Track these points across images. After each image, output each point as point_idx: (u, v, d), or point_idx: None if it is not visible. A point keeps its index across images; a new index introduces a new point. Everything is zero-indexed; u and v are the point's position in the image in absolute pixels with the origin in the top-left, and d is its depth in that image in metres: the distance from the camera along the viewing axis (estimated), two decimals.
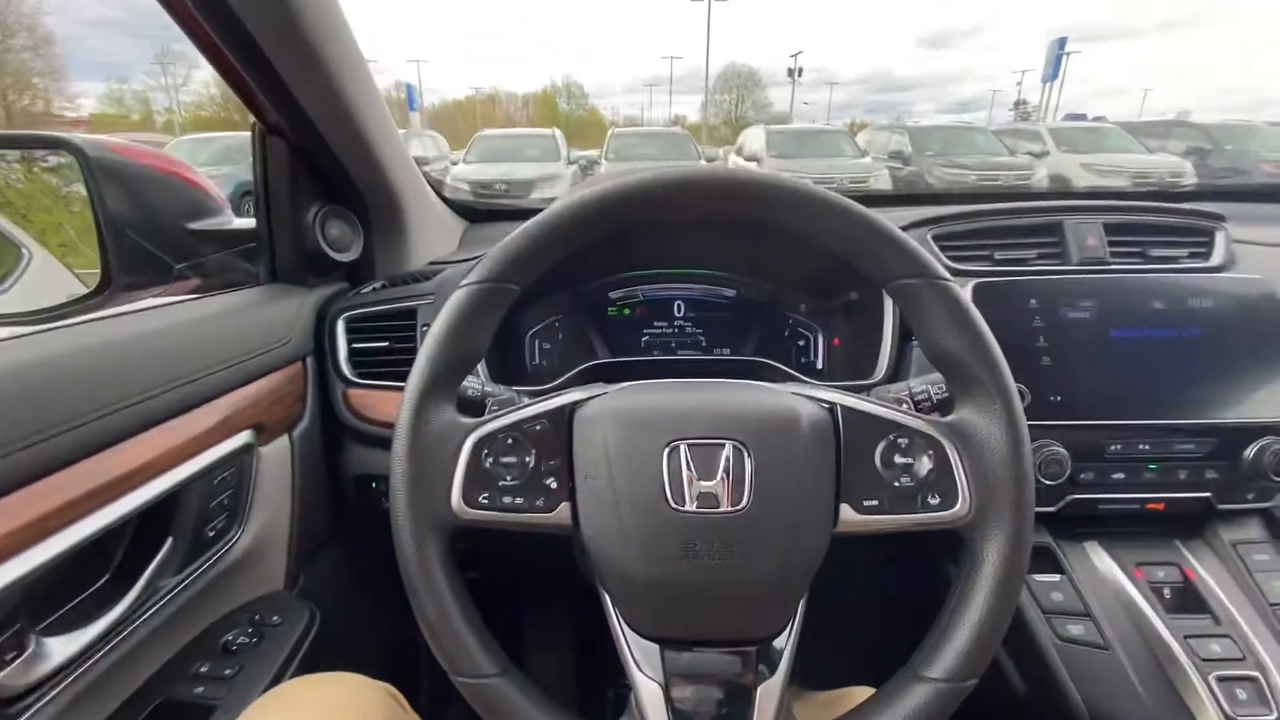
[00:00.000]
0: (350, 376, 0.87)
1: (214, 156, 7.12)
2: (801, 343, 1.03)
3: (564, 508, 0.51)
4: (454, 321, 0.52)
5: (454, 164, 9.86)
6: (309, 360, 0.86)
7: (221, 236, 0.91)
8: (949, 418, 0.53)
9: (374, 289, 0.95)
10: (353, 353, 0.88)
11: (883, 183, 8.78)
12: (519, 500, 0.51)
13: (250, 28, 0.66)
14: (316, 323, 0.89)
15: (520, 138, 10.60)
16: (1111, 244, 0.86)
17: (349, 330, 0.89)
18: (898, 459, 0.51)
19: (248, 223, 0.91)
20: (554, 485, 0.51)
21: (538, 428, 0.53)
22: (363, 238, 0.98)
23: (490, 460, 0.51)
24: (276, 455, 0.78)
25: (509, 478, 0.51)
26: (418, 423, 0.51)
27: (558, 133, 10.22)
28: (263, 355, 0.77)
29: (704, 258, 1.03)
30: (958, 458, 0.51)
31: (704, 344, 1.06)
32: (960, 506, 0.50)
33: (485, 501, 0.51)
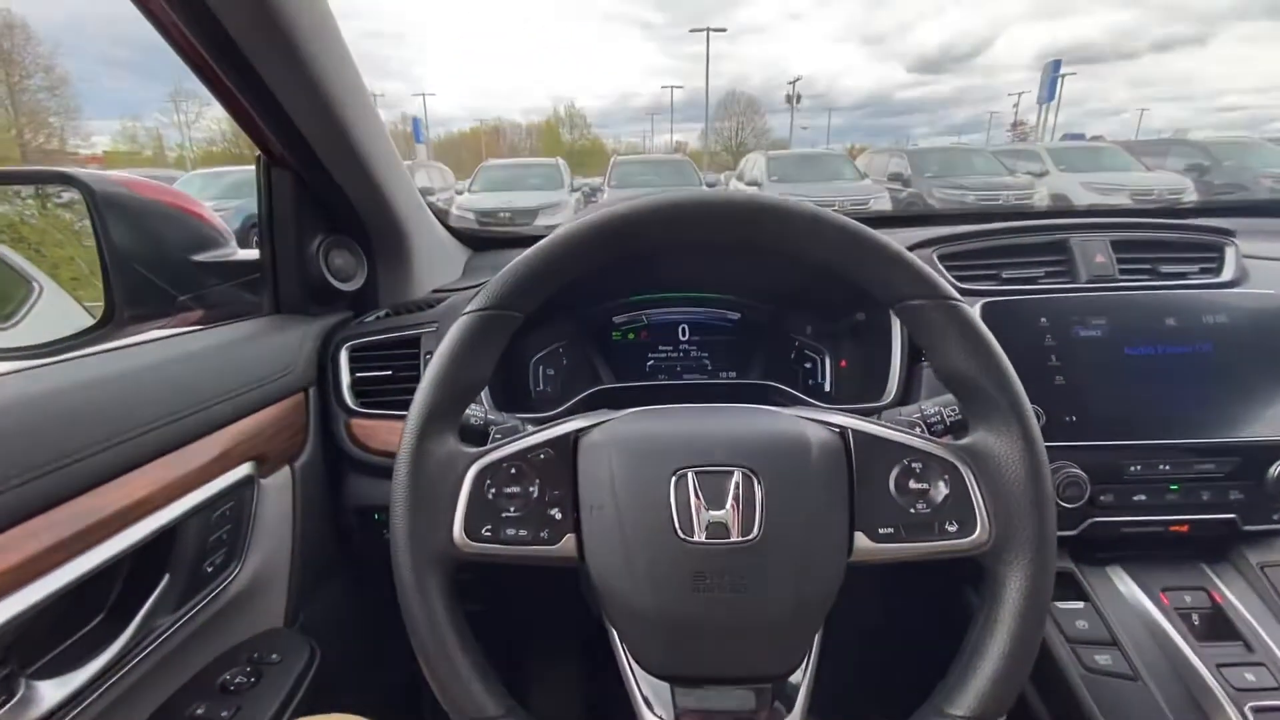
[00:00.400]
0: (353, 406, 0.86)
1: (224, 190, 7.24)
2: (808, 365, 1.01)
3: (569, 539, 0.50)
4: (456, 350, 0.51)
5: (459, 193, 10.01)
6: (311, 391, 0.86)
7: (226, 268, 0.91)
8: (964, 441, 0.52)
9: (377, 318, 0.95)
10: (355, 382, 0.88)
11: (883, 204, 8.84)
12: (522, 532, 0.50)
13: (252, 59, 0.67)
14: (319, 352, 0.88)
15: (524, 167, 10.77)
16: (1120, 261, 0.86)
17: (352, 360, 0.88)
18: (912, 484, 0.50)
19: (252, 254, 0.92)
20: (558, 516, 0.50)
21: (541, 456, 0.51)
22: (366, 267, 0.98)
23: (493, 491, 0.50)
24: (277, 487, 0.77)
25: (512, 509, 0.50)
26: (419, 453, 0.50)
27: (561, 161, 10.38)
28: (265, 386, 0.76)
29: (708, 280, 1.02)
30: (975, 482, 0.49)
31: (710, 367, 1.05)
32: (979, 533, 0.48)
33: (488, 534, 0.49)
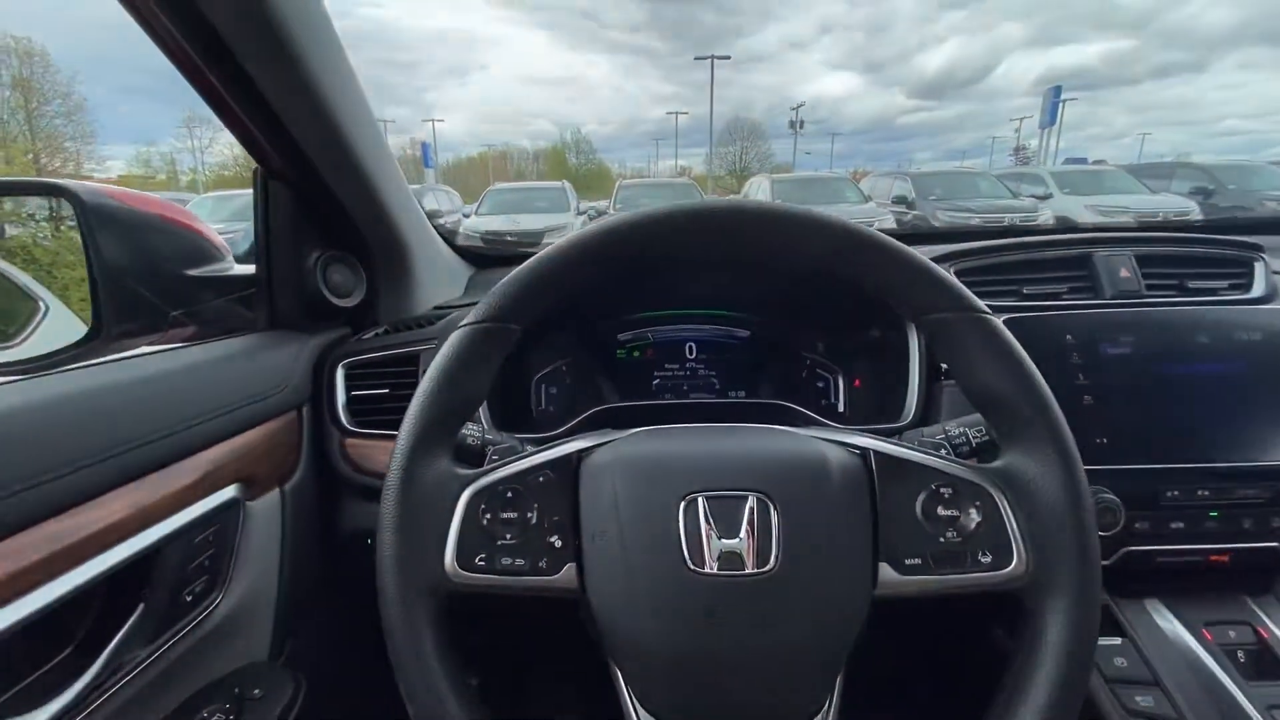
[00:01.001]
0: (348, 425, 0.83)
1: (234, 213, 7.32)
2: (820, 384, 0.98)
3: (569, 569, 0.46)
4: (450, 365, 0.48)
5: (466, 216, 10.10)
6: (305, 409, 0.83)
7: (221, 283, 0.89)
8: (995, 464, 0.48)
9: (376, 334, 0.92)
10: (351, 400, 0.85)
11: (887, 226, 8.87)
12: (519, 561, 0.46)
13: (250, 71, 0.66)
14: (315, 370, 0.85)
15: (530, 190, 10.89)
16: (1145, 276, 0.82)
17: (348, 377, 0.86)
18: (941, 511, 0.46)
19: (249, 269, 0.90)
20: (558, 544, 0.47)
21: (540, 479, 0.48)
22: (365, 283, 0.96)
23: (488, 516, 0.47)
24: (266, 511, 0.73)
25: (508, 535, 0.47)
26: (409, 475, 0.46)
27: (567, 185, 10.49)
28: (255, 404, 0.73)
29: (716, 297, 1.00)
30: (1009, 509, 0.46)
31: (718, 387, 1.02)
32: (1015, 565, 0.45)
33: (482, 563, 0.46)
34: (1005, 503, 0.46)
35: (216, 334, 0.83)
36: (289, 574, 0.76)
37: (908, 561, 0.46)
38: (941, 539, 0.46)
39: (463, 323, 0.49)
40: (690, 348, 1.02)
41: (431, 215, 1.09)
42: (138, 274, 0.78)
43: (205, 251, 0.88)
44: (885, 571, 0.46)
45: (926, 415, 0.77)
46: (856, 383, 0.94)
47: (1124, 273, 0.81)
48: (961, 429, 0.58)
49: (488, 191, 10.50)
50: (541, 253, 0.50)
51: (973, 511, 0.46)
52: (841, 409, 0.95)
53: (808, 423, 0.79)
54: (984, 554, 0.45)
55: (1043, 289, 0.83)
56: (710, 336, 1.02)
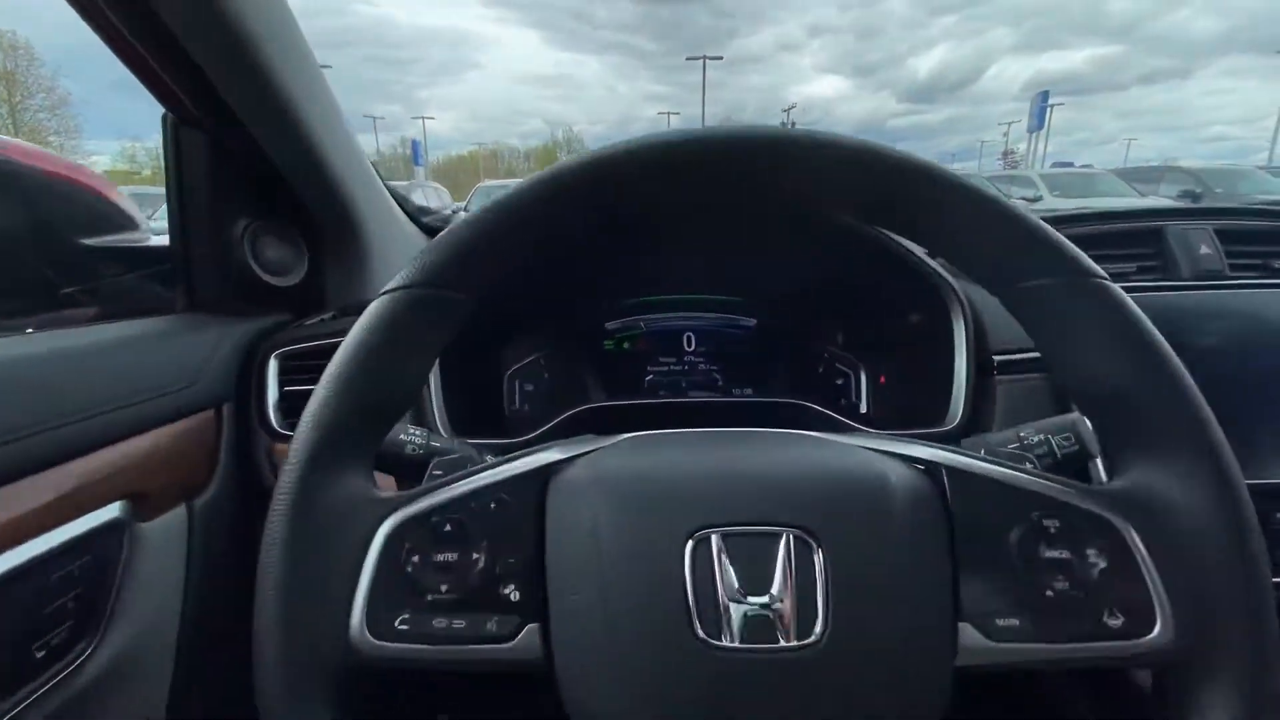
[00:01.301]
0: (278, 428, 0.69)
1: None
2: (839, 381, 0.85)
3: (530, 633, 0.33)
4: (367, 343, 0.35)
5: (454, 213, 9.98)
6: (227, 408, 0.68)
7: (131, 255, 0.74)
8: (1117, 484, 0.35)
9: (321, 320, 0.78)
10: (284, 398, 0.70)
11: None
12: (458, 623, 0.33)
13: None
14: (241, 361, 0.71)
15: None
16: (1227, 255, 0.70)
17: (282, 370, 0.71)
18: (1046, 552, 0.33)
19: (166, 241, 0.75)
20: (515, 597, 0.33)
21: (491, 505, 0.35)
22: (308, 260, 0.82)
23: (416, 558, 0.33)
24: (164, 533, 0.59)
25: (444, 587, 0.33)
26: (303, 499, 0.33)
27: None
28: (154, 401, 0.59)
29: (718, 278, 0.86)
30: (1142, 550, 0.33)
31: (720, 383, 0.88)
32: (1160, 631, 0.32)
33: (405, 627, 0.32)
34: (1138, 541, 0.33)
35: (120, 316, 0.68)
36: (194, 610, 0.62)
37: (1000, 622, 0.33)
38: (1049, 591, 0.33)
39: (386, 288, 0.36)
40: (689, 338, 0.89)
41: (420, 213, 0.98)
42: (16, 241, 0.64)
43: (110, 218, 0.74)
44: (969, 635, 0.33)
45: (976, 418, 0.64)
46: (882, 379, 0.81)
47: (1204, 249, 0.69)
48: (1042, 436, 0.45)
49: (477, 188, 10.39)
50: (492, 200, 0.36)
51: (1092, 553, 0.33)
52: (864, 410, 0.82)
53: (831, 426, 0.66)
54: (1113, 614, 0.32)
55: (1107, 268, 0.70)
56: (711, 325, 0.89)
